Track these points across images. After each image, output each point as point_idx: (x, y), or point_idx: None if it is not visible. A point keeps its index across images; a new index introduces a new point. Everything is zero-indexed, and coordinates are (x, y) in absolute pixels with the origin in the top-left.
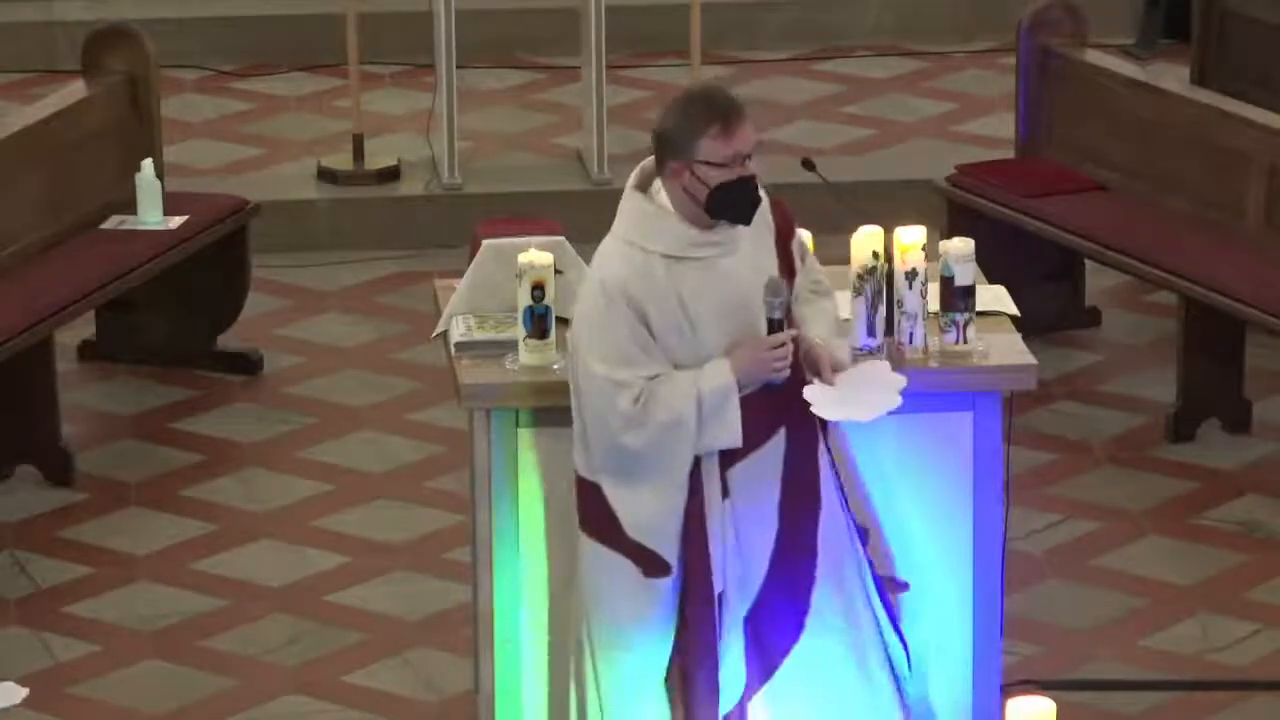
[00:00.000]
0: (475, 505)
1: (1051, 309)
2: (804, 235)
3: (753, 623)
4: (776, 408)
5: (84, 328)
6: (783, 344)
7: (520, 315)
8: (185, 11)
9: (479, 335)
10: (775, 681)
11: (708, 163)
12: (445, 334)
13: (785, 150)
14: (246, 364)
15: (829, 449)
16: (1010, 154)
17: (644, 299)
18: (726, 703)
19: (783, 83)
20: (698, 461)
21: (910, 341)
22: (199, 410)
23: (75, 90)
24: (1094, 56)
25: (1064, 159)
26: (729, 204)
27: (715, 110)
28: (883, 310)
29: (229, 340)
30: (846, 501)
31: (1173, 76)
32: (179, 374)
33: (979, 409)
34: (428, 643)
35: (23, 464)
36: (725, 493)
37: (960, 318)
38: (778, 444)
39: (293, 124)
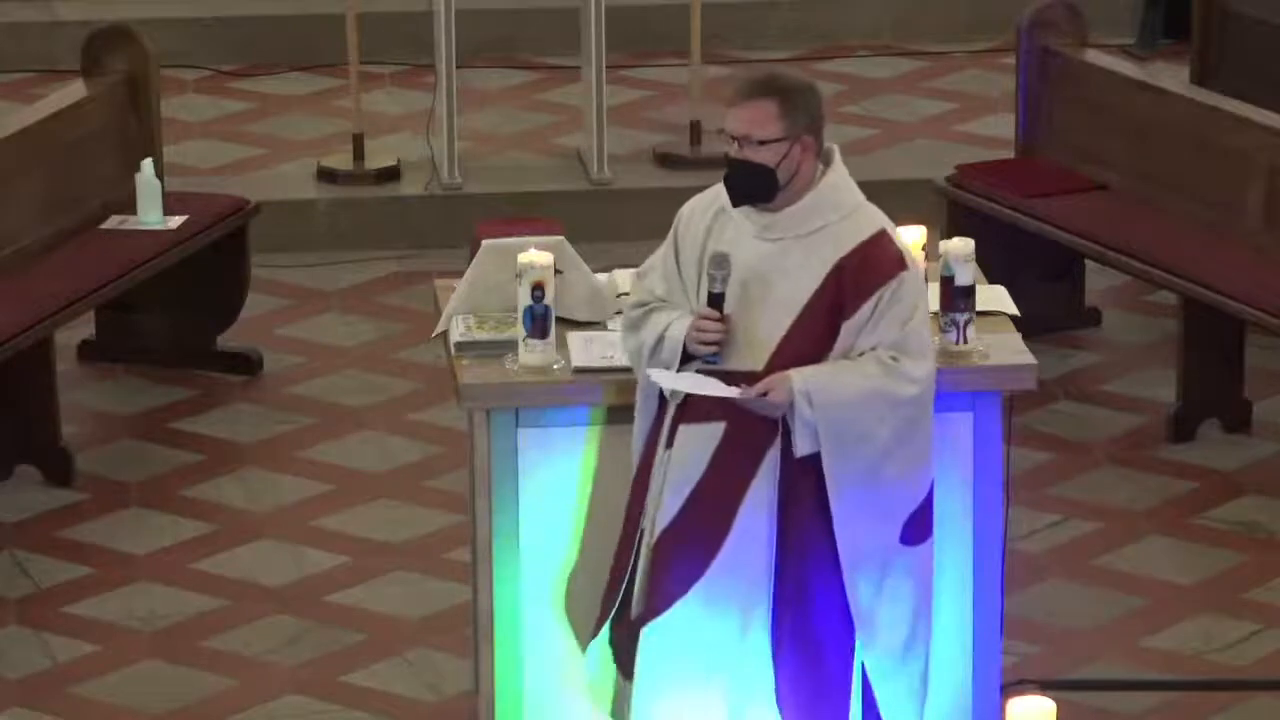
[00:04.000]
0: (475, 505)
1: (1051, 309)
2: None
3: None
4: (725, 401)
5: (84, 328)
6: (709, 318)
7: (520, 315)
8: (185, 11)
9: (479, 335)
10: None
11: (723, 131)
12: (445, 334)
13: None
14: (246, 364)
15: (810, 495)
16: (1010, 154)
17: (684, 233)
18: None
19: None
20: (665, 401)
21: None
22: (199, 410)
23: (75, 90)
24: (1094, 56)
25: (1064, 159)
26: (727, 178)
27: (734, 85)
28: None
29: (229, 340)
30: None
31: (1173, 76)
32: (179, 374)
33: (979, 409)
34: (428, 643)
35: (23, 464)
36: (670, 444)
37: (960, 318)
38: (713, 434)
39: (293, 124)
